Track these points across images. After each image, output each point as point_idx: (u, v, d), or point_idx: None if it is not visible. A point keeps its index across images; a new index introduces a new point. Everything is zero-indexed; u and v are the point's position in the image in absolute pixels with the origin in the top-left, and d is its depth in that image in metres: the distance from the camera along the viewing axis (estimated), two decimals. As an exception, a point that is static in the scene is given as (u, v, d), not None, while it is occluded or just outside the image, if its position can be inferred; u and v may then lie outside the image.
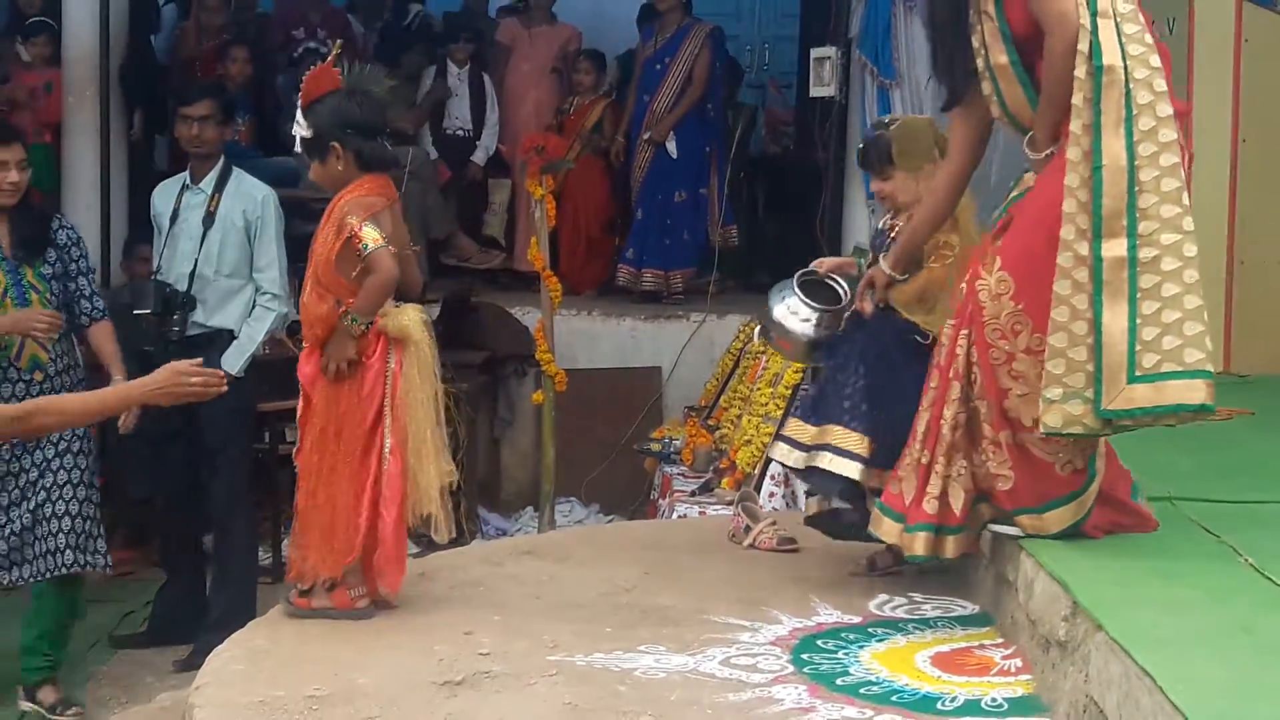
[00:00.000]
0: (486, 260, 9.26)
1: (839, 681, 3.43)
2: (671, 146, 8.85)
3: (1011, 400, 3.64)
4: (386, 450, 3.93)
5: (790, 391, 6.15)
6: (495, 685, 3.41)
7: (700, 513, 6.00)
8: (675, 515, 6.13)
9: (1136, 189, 3.49)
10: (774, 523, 4.66)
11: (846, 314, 4.25)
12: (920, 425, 3.77)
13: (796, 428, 4.19)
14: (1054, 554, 3.51)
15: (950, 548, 3.78)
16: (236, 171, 6.18)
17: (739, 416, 6.70)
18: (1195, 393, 3.49)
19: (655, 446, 7.33)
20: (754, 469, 6.07)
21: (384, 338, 3.96)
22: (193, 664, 5.77)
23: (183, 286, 6.06)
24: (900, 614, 3.94)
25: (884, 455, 3.97)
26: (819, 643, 3.69)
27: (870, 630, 3.79)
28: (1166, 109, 3.54)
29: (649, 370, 8.36)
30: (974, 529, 3.82)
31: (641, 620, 3.88)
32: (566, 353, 7.87)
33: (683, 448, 7.00)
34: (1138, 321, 3.47)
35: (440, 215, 8.84)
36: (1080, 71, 3.54)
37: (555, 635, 3.73)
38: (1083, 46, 3.55)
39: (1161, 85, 3.55)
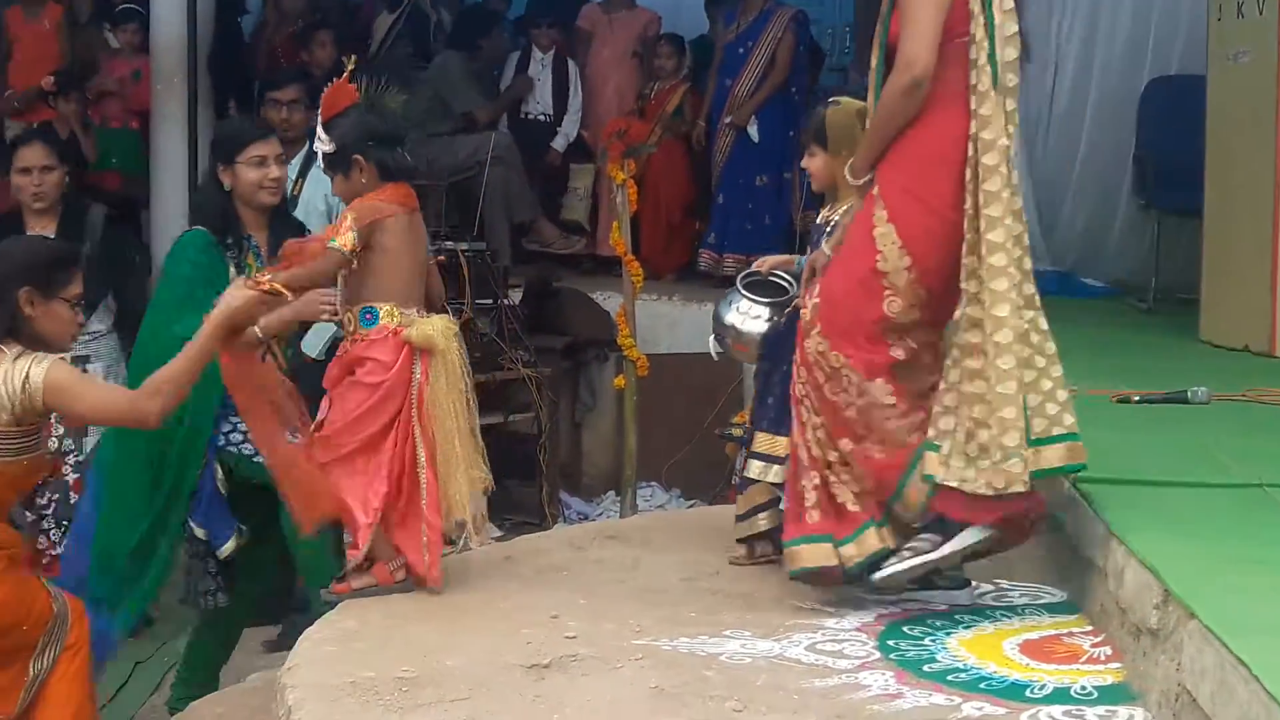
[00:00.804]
0: (568, 245, 9.29)
1: (926, 668, 3.42)
2: (753, 131, 8.83)
3: (849, 413, 3.70)
4: (422, 461, 4.01)
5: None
6: (582, 668, 3.42)
7: (782, 498, 5.97)
8: (758, 500, 6.10)
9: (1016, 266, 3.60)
10: (858, 508, 4.64)
11: (788, 307, 4.28)
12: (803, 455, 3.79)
13: (767, 442, 4.22)
14: (1145, 541, 3.48)
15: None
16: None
17: (821, 401, 6.68)
18: (1079, 454, 3.66)
19: (737, 431, 7.25)
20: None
21: (409, 347, 4.02)
22: (280, 645, 5.85)
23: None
24: (987, 601, 3.92)
25: None
26: (905, 629, 3.68)
27: (957, 617, 3.77)
28: (1019, 202, 3.61)
29: (730, 355, 8.33)
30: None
31: (726, 605, 3.89)
32: (648, 337, 7.88)
33: (764, 433, 6.97)
34: (1025, 386, 3.60)
35: (523, 199, 8.87)
36: (990, 135, 3.56)
37: (640, 619, 3.75)
38: (985, 112, 3.56)
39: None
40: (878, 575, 3.72)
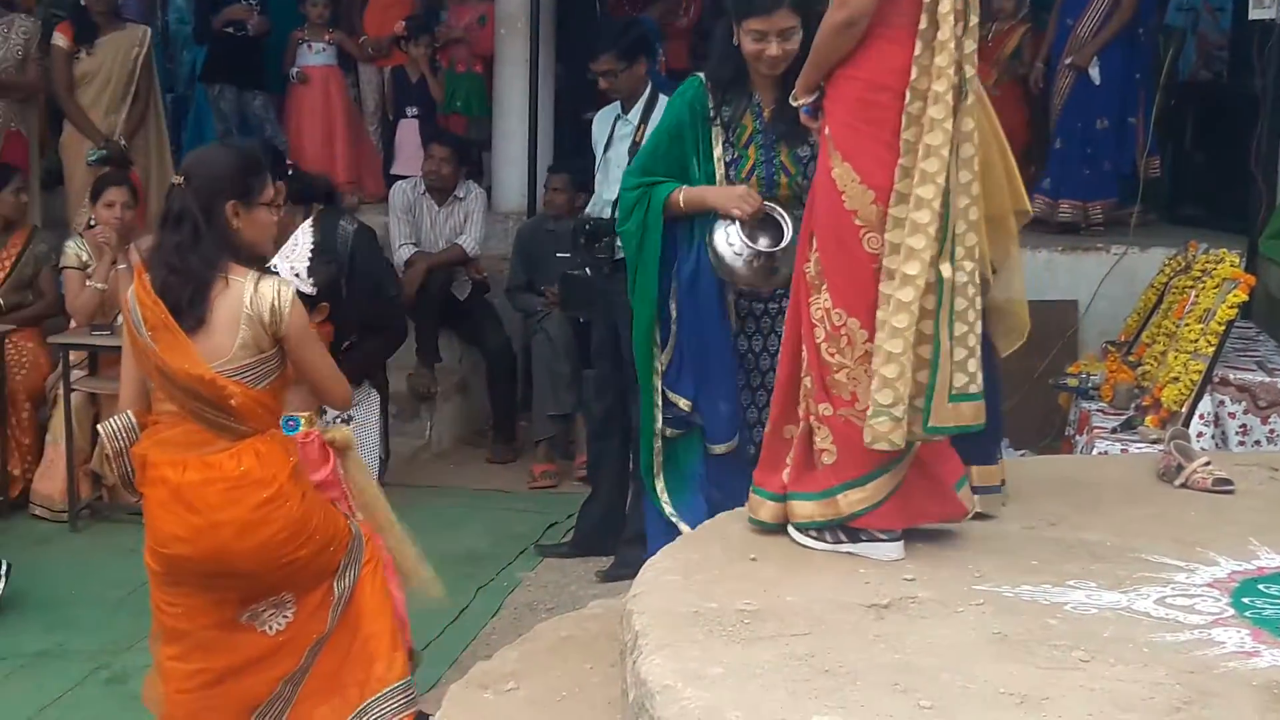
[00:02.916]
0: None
1: (1284, 628, 3.30)
2: (1095, 72, 8.54)
3: (830, 377, 3.68)
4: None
5: (1223, 328, 5.89)
6: (921, 611, 3.41)
7: (1122, 450, 5.82)
8: (1095, 452, 5.97)
9: (953, 215, 3.52)
10: (1208, 462, 4.49)
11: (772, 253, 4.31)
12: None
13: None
14: None
15: None
16: (662, 99, 6.28)
17: (1163, 353, 6.46)
18: (982, 413, 3.66)
19: (1072, 382, 7.12)
20: (1181, 407, 5.85)
21: (330, 449, 4.37)
22: (613, 575, 6.05)
23: (607, 213, 6.23)
24: (1347, 562, 3.75)
25: None
26: (1260, 587, 3.54)
27: (1317, 577, 3.63)
28: (978, 136, 3.58)
29: (1065, 304, 8.13)
30: None
31: (1069, 555, 3.81)
32: (981, 284, 7.74)
33: (1102, 384, 6.79)
34: (952, 342, 3.56)
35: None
36: (941, 88, 3.49)
37: (980, 565, 3.71)
38: (942, 62, 3.49)
39: (977, 112, 3.58)
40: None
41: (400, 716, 4.17)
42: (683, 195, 4.49)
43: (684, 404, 4.63)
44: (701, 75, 4.58)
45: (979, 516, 4.04)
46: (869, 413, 3.58)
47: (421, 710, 4.25)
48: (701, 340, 4.59)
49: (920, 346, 3.57)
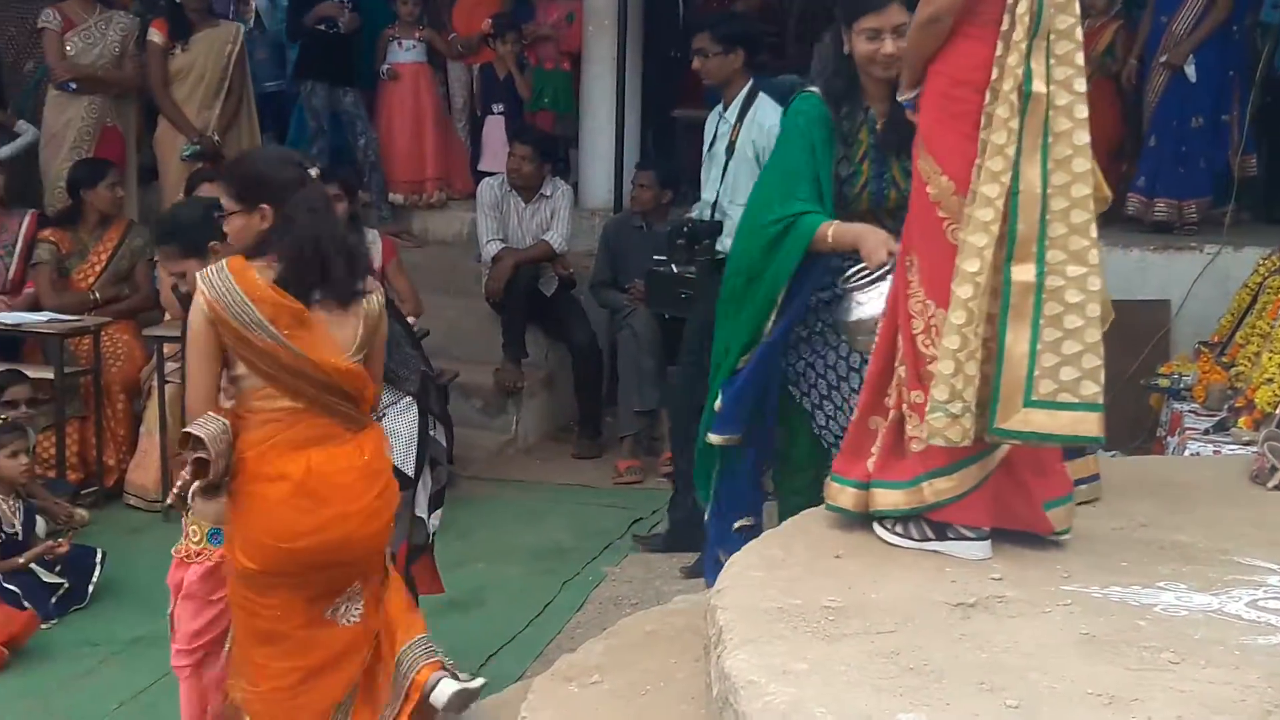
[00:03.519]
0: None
1: (1380, 633, 3.24)
2: (1190, 70, 8.43)
3: (924, 368, 3.62)
4: None
5: (1319, 329, 5.80)
6: (1009, 610, 3.38)
7: (1214, 452, 5.74)
8: (1187, 453, 5.89)
9: (1048, 217, 3.42)
10: (1302, 465, 4.42)
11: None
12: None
13: None
14: None
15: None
16: (760, 98, 6.18)
17: (1257, 353, 6.37)
18: (1088, 425, 3.55)
19: (1163, 382, 7.04)
20: (1275, 409, 5.76)
21: None
22: (697, 571, 6.03)
23: (707, 213, 6.22)
24: None
25: None
26: (1355, 590, 3.49)
27: None
28: (1084, 137, 3.44)
29: (1158, 304, 8.04)
30: None
31: (1159, 557, 3.76)
32: (1071, 283, 7.66)
33: (1194, 384, 6.71)
34: (1038, 347, 3.45)
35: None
36: (1007, 87, 3.42)
37: (1068, 565, 3.67)
38: (1013, 62, 3.42)
39: (1083, 112, 3.45)
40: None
41: (427, 662, 4.18)
42: (832, 230, 4.22)
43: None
44: (815, 90, 4.38)
45: None
46: (927, 407, 3.56)
47: (467, 686, 4.22)
48: (764, 363, 4.48)
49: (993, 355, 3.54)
